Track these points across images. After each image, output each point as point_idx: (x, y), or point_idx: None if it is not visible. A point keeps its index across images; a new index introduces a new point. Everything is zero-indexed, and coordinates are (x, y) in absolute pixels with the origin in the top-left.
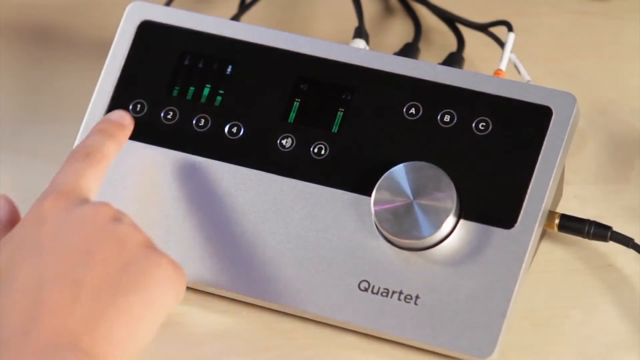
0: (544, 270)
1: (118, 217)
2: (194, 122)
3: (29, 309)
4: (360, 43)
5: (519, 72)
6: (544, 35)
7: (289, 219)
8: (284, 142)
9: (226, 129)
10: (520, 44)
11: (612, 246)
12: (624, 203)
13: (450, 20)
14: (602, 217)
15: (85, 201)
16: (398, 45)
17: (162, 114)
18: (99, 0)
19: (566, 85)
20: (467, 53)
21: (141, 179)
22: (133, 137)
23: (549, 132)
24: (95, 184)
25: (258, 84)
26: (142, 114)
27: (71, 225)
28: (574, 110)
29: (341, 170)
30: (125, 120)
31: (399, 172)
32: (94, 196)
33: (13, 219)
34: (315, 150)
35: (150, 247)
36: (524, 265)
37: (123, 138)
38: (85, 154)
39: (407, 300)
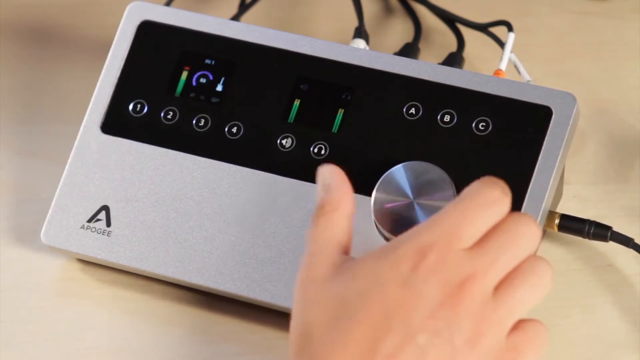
0: None
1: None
2: (194, 122)
3: None
4: (360, 43)
5: (519, 72)
6: (544, 35)
7: (289, 219)
8: (284, 142)
9: (226, 129)
10: (520, 44)
11: (612, 246)
12: (624, 203)
13: (450, 20)
14: (602, 217)
15: (461, 263)
16: (398, 45)
17: (162, 114)
18: (99, 0)
19: (566, 85)
20: (467, 53)
21: (141, 178)
22: (133, 137)
23: (549, 132)
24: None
25: (258, 84)
26: (142, 114)
27: (465, 301)
28: (574, 110)
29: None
30: None
31: (399, 172)
32: None
33: (352, 207)
34: (315, 150)
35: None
36: None
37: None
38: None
39: None
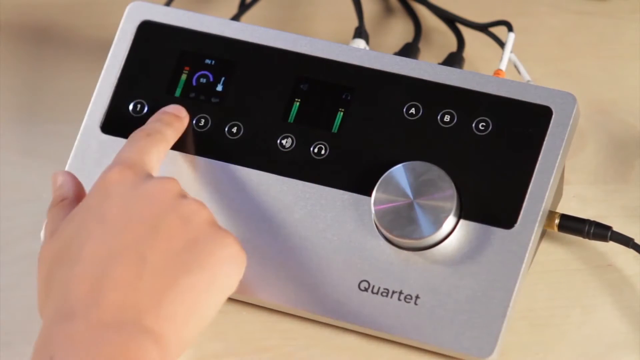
0: (544, 270)
1: (184, 194)
2: (194, 122)
3: (94, 283)
4: (360, 43)
5: (519, 72)
6: (544, 35)
7: (289, 219)
8: (284, 142)
9: (226, 129)
10: (520, 44)
11: (612, 246)
12: (624, 203)
13: (450, 20)
14: (602, 217)
15: (149, 176)
16: (398, 45)
17: None
18: (99, 0)
19: (566, 85)
20: (467, 53)
21: None
22: None
23: (549, 132)
24: (158, 162)
25: (258, 84)
26: (142, 114)
27: (137, 200)
28: (574, 110)
29: (341, 170)
30: (181, 112)
31: (399, 172)
32: (156, 173)
33: (79, 194)
34: (315, 150)
35: (214, 224)
36: (524, 265)
37: (180, 127)
38: (147, 134)
39: (407, 300)
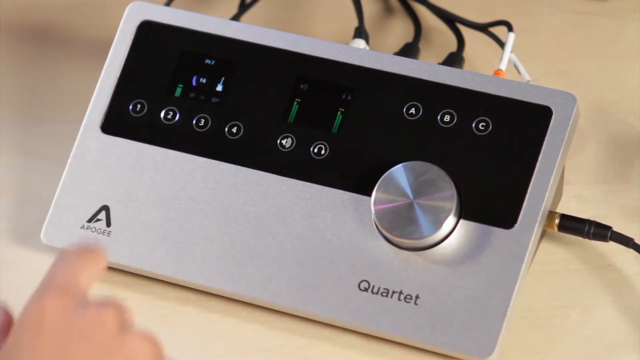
0: (544, 270)
1: (123, 325)
2: (194, 122)
3: None
4: (360, 43)
5: (519, 72)
6: (544, 35)
7: (289, 219)
8: (284, 142)
9: (226, 129)
10: (520, 44)
11: (612, 246)
12: (624, 203)
13: (450, 20)
14: (602, 217)
15: (85, 303)
16: (398, 45)
17: (162, 114)
18: (99, 0)
19: (566, 85)
20: (467, 53)
21: (141, 178)
22: (133, 137)
23: (549, 132)
24: (92, 280)
25: (258, 84)
26: (142, 114)
27: (74, 338)
28: (574, 110)
29: (341, 170)
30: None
31: (399, 172)
32: (90, 291)
33: (8, 324)
34: (315, 150)
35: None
36: (524, 265)
37: (103, 256)
38: (79, 251)
39: (407, 300)
